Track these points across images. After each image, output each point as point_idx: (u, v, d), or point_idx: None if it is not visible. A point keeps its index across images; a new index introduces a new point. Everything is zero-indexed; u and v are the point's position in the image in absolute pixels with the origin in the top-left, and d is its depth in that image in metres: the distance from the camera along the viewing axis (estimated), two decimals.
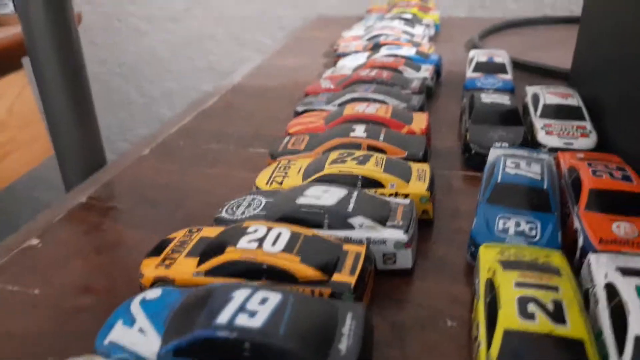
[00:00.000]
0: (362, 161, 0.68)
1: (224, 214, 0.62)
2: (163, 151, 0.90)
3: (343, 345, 0.42)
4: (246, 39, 2.36)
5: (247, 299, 0.44)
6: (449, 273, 0.58)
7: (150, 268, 0.54)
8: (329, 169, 0.67)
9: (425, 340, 0.50)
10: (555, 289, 0.45)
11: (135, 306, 0.48)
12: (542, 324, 0.42)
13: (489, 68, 1.08)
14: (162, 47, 2.48)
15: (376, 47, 1.25)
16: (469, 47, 1.47)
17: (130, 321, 0.46)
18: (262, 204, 0.63)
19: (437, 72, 1.15)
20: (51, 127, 0.93)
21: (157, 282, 0.53)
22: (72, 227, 0.69)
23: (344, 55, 1.29)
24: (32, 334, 0.52)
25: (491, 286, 0.48)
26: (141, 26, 2.46)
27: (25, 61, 1.87)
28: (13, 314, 0.54)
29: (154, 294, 0.49)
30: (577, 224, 0.59)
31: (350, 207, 0.58)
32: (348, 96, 0.93)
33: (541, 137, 0.80)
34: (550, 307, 0.43)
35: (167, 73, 2.54)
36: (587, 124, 0.82)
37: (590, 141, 0.79)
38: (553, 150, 0.78)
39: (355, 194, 0.61)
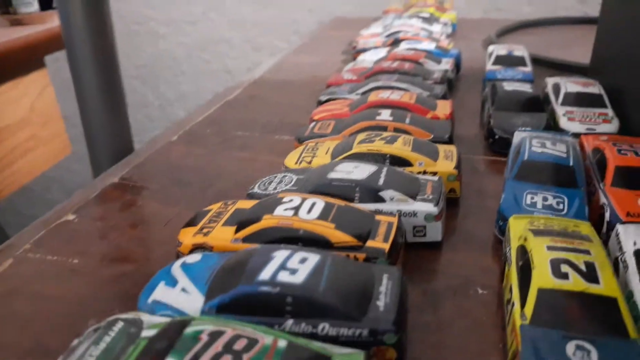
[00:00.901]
0: (390, 141, 0.69)
1: (256, 190, 0.64)
2: (191, 138, 0.92)
3: (381, 302, 0.43)
4: (261, 42, 2.40)
5: (287, 259, 0.45)
6: (478, 246, 0.60)
7: (188, 236, 0.55)
8: (357, 148, 0.69)
9: (457, 306, 0.51)
10: (586, 252, 0.46)
11: (176, 269, 0.49)
12: (575, 283, 0.43)
13: (509, 61, 1.09)
14: (179, 50, 2.52)
15: (396, 42, 1.27)
16: (486, 45, 1.48)
17: (173, 282, 0.48)
18: (294, 180, 0.64)
19: (457, 66, 1.17)
20: (83, 115, 0.96)
21: (195, 249, 0.54)
22: (106, 205, 0.71)
23: (364, 51, 1.31)
24: (74, 298, 0.54)
25: (523, 252, 0.49)
26: (159, 29, 2.50)
27: (48, 60, 1.91)
28: (54, 280, 0.56)
29: (194, 258, 0.50)
30: (603, 200, 0.60)
31: (381, 181, 0.60)
32: (371, 85, 0.95)
33: (563, 123, 0.81)
34: (583, 267, 0.44)
35: (182, 76, 2.58)
36: (609, 111, 0.83)
37: (612, 127, 0.80)
38: (576, 135, 0.79)
39: (385, 169, 0.62)
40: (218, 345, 0.36)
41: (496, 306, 0.51)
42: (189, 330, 0.38)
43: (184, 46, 2.51)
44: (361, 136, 0.72)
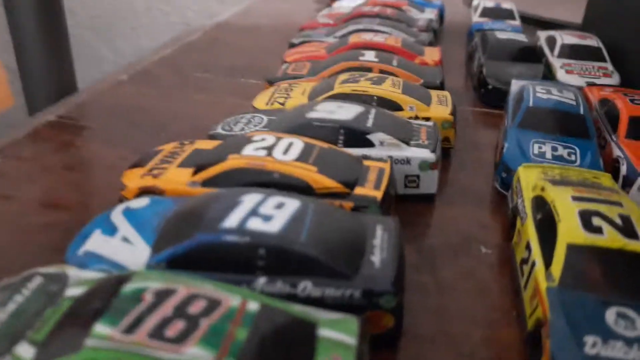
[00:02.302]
0: (377, 82, 0.60)
1: (219, 130, 0.54)
2: (143, 78, 0.80)
3: (376, 257, 0.35)
4: None
5: (260, 204, 0.36)
6: (476, 200, 0.52)
7: (134, 178, 0.45)
8: (339, 88, 0.59)
9: (459, 266, 0.43)
10: (619, 204, 0.39)
11: (116, 215, 0.39)
12: (611, 238, 0.35)
13: (497, 13, 1.01)
14: (137, 1, 2.33)
15: None
16: (467, 3, 1.40)
17: (111, 230, 0.38)
18: (264, 121, 0.55)
19: (441, 17, 1.08)
20: (17, 47, 0.82)
21: (142, 193, 0.44)
22: (39, 145, 0.59)
23: None
24: None
25: (541, 203, 0.41)
26: None
27: None
28: None
29: (140, 202, 0.41)
30: (618, 152, 0.53)
31: (369, 122, 0.51)
32: (352, 27, 0.85)
33: (561, 75, 0.74)
34: (618, 221, 0.37)
35: (141, 28, 2.39)
36: (609, 65, 0.77)
37: (613, 81, 0.73)
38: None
39: (373, 110, 0.53)
40: (167, 308, 0.27)
41: (502, 267, 0.43)
42: (128, 288, 0.29)
43: None
44: (343, 76, 0.62)
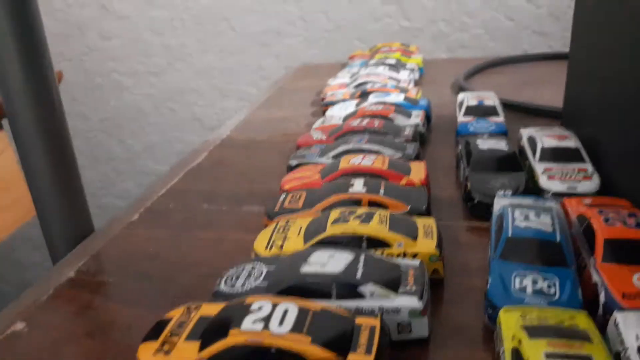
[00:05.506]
0: (366, 219, 0.65)
1: (222, 287, 0.59)
2: (152, 216, 0.86)
3: None
4: (229, 89, 2.36)
5: None
6: (468, 338, 0.55)
7: (148, 355, 0.49)
8: (331, 230, 0.64)
9: None
10: (588, 358, 0.42)
11: None
12: None
13: (480, 111, 1.07)
14: (145, 101, 2.46)
15: (364, 95, 1.24)
16: (455, 88, 1.47)
17: None
18: (263, 273, 0.59)
19: (427, 118, 1.15)
20: (33, 193, 0.89)
21: None
22: (60, 307, 0.64)
23: (332, 104, 1.28)
24: None
25: (518, 356, 0.44)
26: (123, 81, 2.45)
27: (5, 122, 1.84)
28: None
29: None
30: (596, 278, 0.56)
31: (359, 273, 0.55)
32: (342, 148, 0.91)
33: (543, 182, 0.79)
34: None
35: (150, 126, 2.52)
36: (588, 166, 0.81)
37: (593, 184, 0.77)
38: (557, 195, 0.77)
39: (362, 258, 0.57)
40: None
41: None
42: None
43: (150, 97, 2.45)
44: (334, 214, 0.67)
